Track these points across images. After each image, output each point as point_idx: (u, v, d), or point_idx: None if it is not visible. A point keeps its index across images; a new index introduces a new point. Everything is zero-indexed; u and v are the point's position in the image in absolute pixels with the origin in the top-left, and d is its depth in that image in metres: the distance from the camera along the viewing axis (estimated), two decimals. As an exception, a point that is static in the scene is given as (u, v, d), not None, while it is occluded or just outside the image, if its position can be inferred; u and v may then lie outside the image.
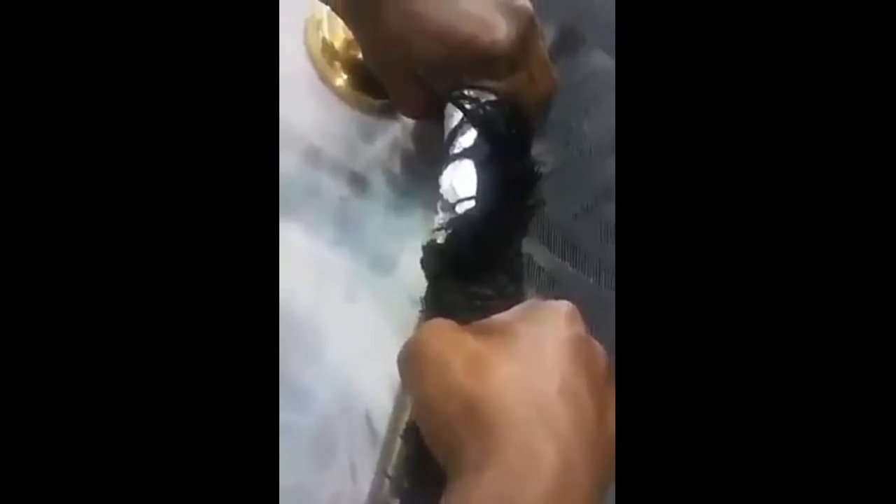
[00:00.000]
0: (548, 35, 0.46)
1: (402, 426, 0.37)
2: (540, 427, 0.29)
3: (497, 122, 0.38)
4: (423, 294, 0.43)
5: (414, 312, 0.43)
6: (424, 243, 0.40)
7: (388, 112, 0.50)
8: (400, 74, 0.43)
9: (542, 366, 0.31)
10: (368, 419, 0.42)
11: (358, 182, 0.48)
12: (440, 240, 0.39)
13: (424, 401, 0.32)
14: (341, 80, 0.50)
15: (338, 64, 0.50)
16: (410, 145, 0.49)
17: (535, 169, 0.38)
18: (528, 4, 0.42)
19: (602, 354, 0.33)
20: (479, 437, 0.29)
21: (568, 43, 0.45)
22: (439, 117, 0.42)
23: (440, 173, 0.41)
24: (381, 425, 0.41)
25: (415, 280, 0.44)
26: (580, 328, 0.33)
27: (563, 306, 0.33)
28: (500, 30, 0.41)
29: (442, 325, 0.34)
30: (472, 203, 0.37)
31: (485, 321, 0.34)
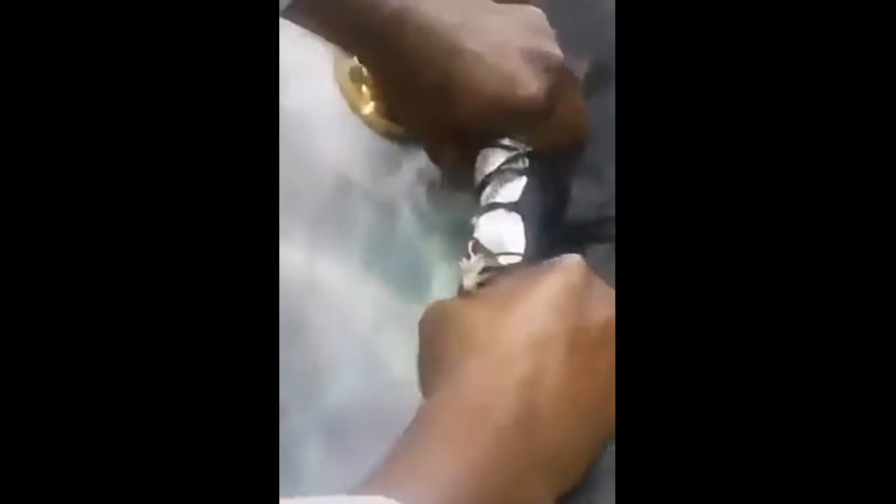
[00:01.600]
0: (582, 71, 0.46)
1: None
2: (492, 366, 0.31)
3: (544, 176, 0.38)
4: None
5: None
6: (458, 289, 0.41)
7: (414, 139, 0.50)
8: (434, 130, 0.44)
9: (523, 316, 0.33)
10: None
11: (386, 210, 0.49)
12: (468, 284, 0.40)
13: (426, 354, 0.35)
14: (369, 108, 0.50)
15: (366, 91, 0.50)
16: (436, 172, 0.50)
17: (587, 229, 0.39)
18: (557, 51, 0.43)
19: (603, 304, 0.34)
20: (442, 366, 0.32)
21: (601, 78, 0.45)
22: (471, 165, 0.43)
23: (475, 215, 0.42)
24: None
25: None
26: (575, 276, 0.34)
27: (561, 260, 0.35)
28: (532, 84, 0.41)
29: (442, 305, 0.37)
30: (517, 259, 0.38)
31: (491, 288, 0.37)
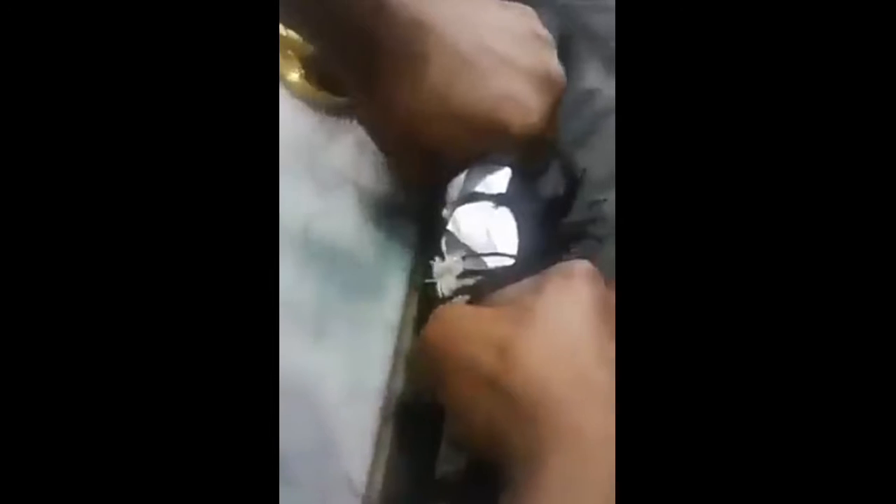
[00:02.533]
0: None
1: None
2: (590, 403, 0.28)
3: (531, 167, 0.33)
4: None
5: (391, 341, 0.40)
6: (425, 283, 0.36)
7: (350, 111, 0.43)
8: (410, 152, 0.37)
9: (573, 337, 0.29)
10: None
11: (321, 194, 0.42)
12: (446, 289, 0.34)
13: (458, 401, 0.31)
14: (297, 74, 0.43)
15: (292, 55, 0.43)
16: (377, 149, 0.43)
17: (584, 227, 0.34)
18: (560, 69, 0.37)
19: None
20: (528, 428, 0.28)
21: (564, 56, 0.40)
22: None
23: (443, 204, 0.37)
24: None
25: (393, 309, 0.40)
26: (600, 286, 0.31)
27: (579, 268, 0.31)
28: (534, 111, 0.35)
29: (455, 315, 0.32)
30: (510, 262, 0.33)
31: (499, 297, 0.32)
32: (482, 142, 0.35)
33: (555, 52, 0.36)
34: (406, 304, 0.42)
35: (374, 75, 0.34)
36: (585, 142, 0.42)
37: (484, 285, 0.33)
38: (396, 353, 0.40)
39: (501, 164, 0.36)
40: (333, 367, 0.39)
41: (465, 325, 0.31)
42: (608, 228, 0.36)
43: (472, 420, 0.30)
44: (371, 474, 0.38)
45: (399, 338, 0.41)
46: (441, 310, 0.32)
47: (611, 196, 0.38)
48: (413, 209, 0.43)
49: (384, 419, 0.39)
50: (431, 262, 0.35)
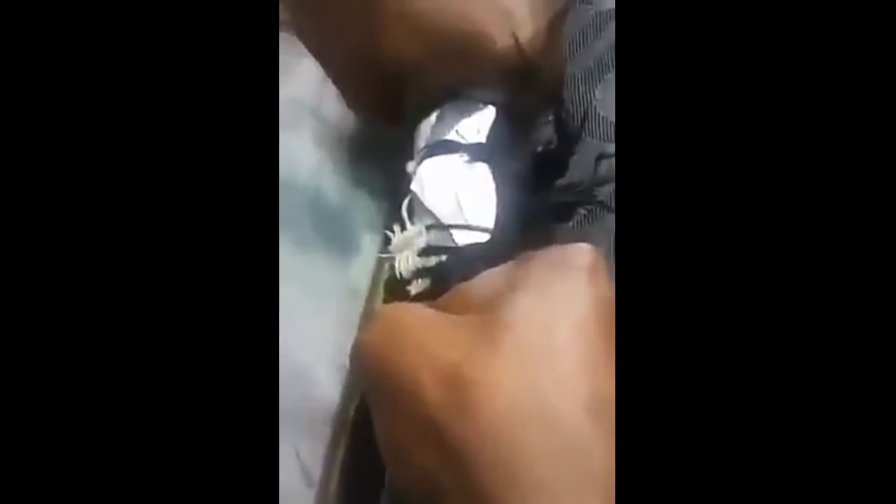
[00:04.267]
0: None
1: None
2: (578, 480, 0.20)
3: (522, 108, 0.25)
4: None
5: (356, 308, 0.33)
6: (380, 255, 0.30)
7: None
8: (368, 77, 0.29)
9: (557, 370, 0.21)
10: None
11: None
12: (405, 270, 0.26)
13: (392, 442, 0.23)
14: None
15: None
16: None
17: (588, 192, 0.25)
18: None
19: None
20: None
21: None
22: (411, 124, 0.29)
23: (410, 155, 0.29)
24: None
25: (361, 271, 0.34)
26: (606, 283, 0.23)
27: (578, 256, 0.23)
28: (527, 24, 0.27)
29: (400, 319, 0.23)
30: (484, 238, 0.25)
31: (465, 292, 0.23)
32: (457, 64, 0.27)
33: None
34: (377, 268, 0.36)
35: None
36: (599, 77, 0.33)
37: (449, 269, 0.25)
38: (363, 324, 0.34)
39: (483, 103, 0.27)
40: (284, 337, 0.32)
41: (411, 334, 0.23)
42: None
43: (408, 471, 0.22)
44: (326, 470, 0.32)
45: (367, 306, 0.34)
46: (387, 310, 0.24)
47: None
48: (386, 153, 0.35)
49: (343, 409, 0.32)
50: (389, 232, 0.27)
